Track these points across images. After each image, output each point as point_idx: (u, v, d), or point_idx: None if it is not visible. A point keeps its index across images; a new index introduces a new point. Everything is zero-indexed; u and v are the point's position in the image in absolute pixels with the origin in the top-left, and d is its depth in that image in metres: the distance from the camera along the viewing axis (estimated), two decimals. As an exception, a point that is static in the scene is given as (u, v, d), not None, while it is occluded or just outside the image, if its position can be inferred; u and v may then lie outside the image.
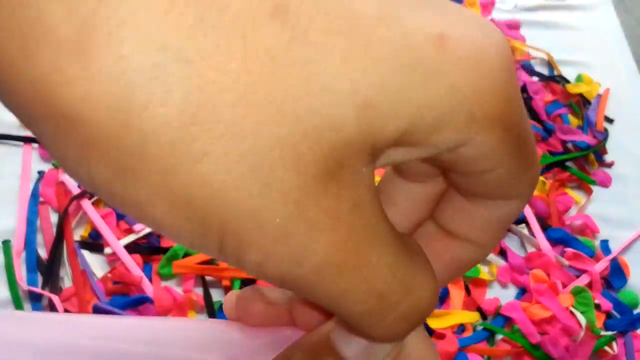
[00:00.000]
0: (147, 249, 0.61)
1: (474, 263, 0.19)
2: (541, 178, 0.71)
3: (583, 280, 0.65)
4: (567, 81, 0.82)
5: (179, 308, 0.58)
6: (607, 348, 0.62)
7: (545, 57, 0.84)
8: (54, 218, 0.62)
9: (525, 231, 0.68)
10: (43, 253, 0.60)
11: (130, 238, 0.61)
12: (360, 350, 0.19)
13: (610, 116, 0.80)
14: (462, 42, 0.14)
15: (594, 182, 0.74)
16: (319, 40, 0.13)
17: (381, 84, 0.14)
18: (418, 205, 0.20)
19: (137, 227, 0.62)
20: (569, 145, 0.76)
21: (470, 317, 0.62)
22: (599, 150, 0.76)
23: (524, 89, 0.80)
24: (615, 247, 0.69)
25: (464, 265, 0.19)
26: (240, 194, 0.13)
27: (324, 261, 0.14)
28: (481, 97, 0.14)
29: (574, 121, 0.79)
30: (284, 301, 0.21)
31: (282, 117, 0.13)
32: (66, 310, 0.57)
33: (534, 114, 0.78)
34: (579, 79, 0.82)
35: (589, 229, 0.69)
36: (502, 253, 0.67)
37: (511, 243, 0.68)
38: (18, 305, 0.57)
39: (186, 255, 0.61)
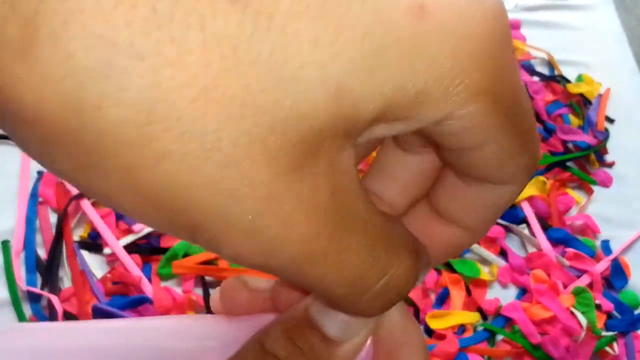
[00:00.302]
0: (147, 249, 0.61)
1: (464, 247, 0.19)
2: (542, 178, 0.71)
3: (584, 281, 0.65)
4: (568, 81, 0.82)
5: (179, 308, 0.58)
6: (607, 348, 0.62)
7: (546, 57, 0.84)
8: (53, 218, 0.62)
9: (526, 231, 0.68)
10: (42, 253, 0.60)
11: (130, 238, 0.61)
12: (339, 324, 0.19)
13: (611, 116, 0.80)
14: (444, 10, 0.13)
15: (594, 182, 0.73)
16: (285, 26, 0.12)
17: (353, 68, 0.13)
18: (415, 178, 0.19)
19: (137, 227, 0.62)
20: (570, 145, 0.76)
21: (471, 318, 0.62)
22: (600, 150, 0.76)
23: (524, 89, 0.80)
24: (616, 247, 0.68)
25: (454, 249, 0.19)
26: (207, 192, 0.13)
27: (299, 252, 0.14)
28: (463, 69, 0.14)
29: (574, 121, 0.78)
30: (267, 287, 0.21)
31: (246, 111, 0.12)
32: (65, 311, 0.57)
33: (534, 114, 0.78)
34: (580, 78, 0.82)
35: (589, 229, 0.69)
36: (503, 253, 0.67)
37: (512, 243, 0.68)
38: (17, 306, 0.57)
39: (186, 255, 0.61)
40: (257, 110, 0.12)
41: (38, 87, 0.12)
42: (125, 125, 0.12)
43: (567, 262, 0.66)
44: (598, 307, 0.64)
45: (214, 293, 0.22)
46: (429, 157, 0.19)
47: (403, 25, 0.13)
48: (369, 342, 0.20)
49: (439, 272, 0.64)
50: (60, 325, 0.23)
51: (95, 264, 0.60)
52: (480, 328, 0.62)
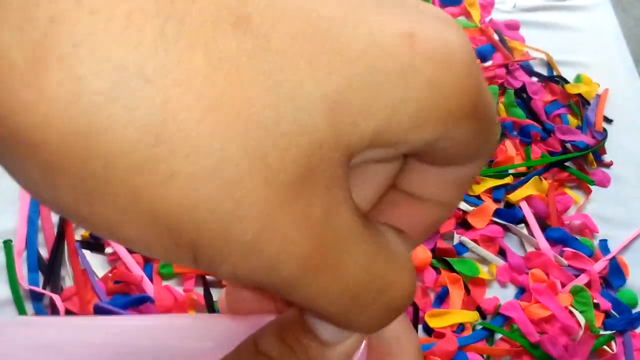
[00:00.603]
0: (148, 248, 0.62)
1: (442, 221, 0.20)
2: (540, 178, 0.72)
3: (582, 280, 0.66)
4: (566, 81, 0.82)
5: (180, 307, 0.58)
6: (606, 347, 0.62)
7: (545, 58, 0.85)
8: (55, 217, 0.62)
9: (525, 231, 0.69)
10: (44, 252, 0.60)
11: (131, 238, 0.61)
12: (332, 328, 0.18)
13: (609, 116, 0.80)
14: (431, 40, 0.14)
15: (592, 182, 0.74)
16: (283, 46, 0.13)
17: (350, 83, 0.13)
18: (381, 182, 0.19)
19: (138, 226, 0.62)
20: (568, 146, 0.76)
21: (470, 317, 0.62)
22: (598, 151, 0.76)
23: (523, 89, 0.80)
24: (614, 247, 0.69)
25: (432, 225, 0.19)
26: (209, 212, 0.13)
27: (295, 271, 0.14)
28: (456, 94, 0.15)
29: (573, 121, 0.79)
30: None
31: (249, 128, 0.13)
32: (67, 310, 0.57)
33: (533, 114, 0.78)
34: (578, 79, 0.83)
35: (588, 228, 0.70)
36: (502, 253, 0.67)
37: (510, 243, 0.68)
38: (19, 305, 0.57)
39: (187, 254, 0.61)
40: (259, 127, 0.13)
41: (46, 112, 0.12)
42: (134, 147, 0.12)
43: (565, 262, 0.66)
44: (596, 306, 0.64)
45: (222, 293, 0.22)
46: (394, 163, 0.19)
47: (396, 49, 0.14)
48: (363, 345, 0.20)
49: (438, 271, 0.64)
50: (61, 321, 0.23)
51: (97, 263, 0.61)
52: (479, 327, 0.62)
